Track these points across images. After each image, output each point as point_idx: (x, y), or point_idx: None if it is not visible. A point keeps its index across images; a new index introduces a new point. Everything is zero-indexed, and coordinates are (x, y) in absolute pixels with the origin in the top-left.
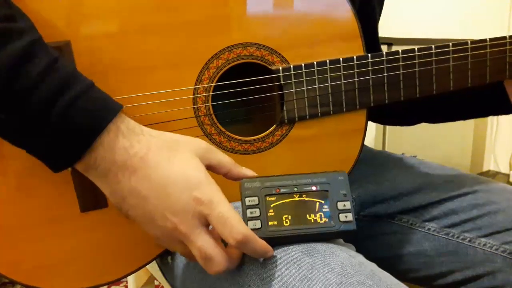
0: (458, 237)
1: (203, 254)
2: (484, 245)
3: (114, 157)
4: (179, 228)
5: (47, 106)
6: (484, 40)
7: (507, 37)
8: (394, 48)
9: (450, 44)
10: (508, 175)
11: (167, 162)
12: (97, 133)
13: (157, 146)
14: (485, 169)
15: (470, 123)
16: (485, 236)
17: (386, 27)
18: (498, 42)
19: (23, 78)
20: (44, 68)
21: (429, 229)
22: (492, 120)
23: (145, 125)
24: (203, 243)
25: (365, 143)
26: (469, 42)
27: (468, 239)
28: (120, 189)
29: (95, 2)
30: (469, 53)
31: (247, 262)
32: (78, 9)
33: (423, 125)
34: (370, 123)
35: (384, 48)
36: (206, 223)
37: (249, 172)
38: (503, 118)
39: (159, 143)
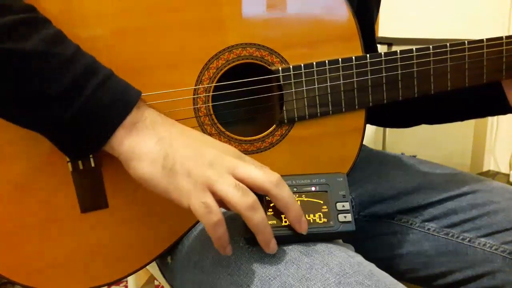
0: (457, 237)
1: (246, 180)
2: (484, 245)
3: (159, 116)
4: (226, 161)
5: (88, 75)
6: (481, 41)
7: (504, 37)
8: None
9: (448, 44)
10: (508, 175)
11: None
12: (135, 98)
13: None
14: (485, 169)
15: (470, 123)
16: (484, 236)
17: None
18: (495, 43)
19: (55, 58)
20: (74, 50)
21: (428, 229)
22: (492, 120)
23: None
24: (246, 173)
25: (365, 143)
26: (466, 42)
27: (468, 239)
28: (168, 136)
29: (94, 4)
30: (466, 53)
31: (246, 262)
32: (77, 11)
33: (423, 125)
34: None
35: (384, 48)
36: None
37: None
38: (503, 118)
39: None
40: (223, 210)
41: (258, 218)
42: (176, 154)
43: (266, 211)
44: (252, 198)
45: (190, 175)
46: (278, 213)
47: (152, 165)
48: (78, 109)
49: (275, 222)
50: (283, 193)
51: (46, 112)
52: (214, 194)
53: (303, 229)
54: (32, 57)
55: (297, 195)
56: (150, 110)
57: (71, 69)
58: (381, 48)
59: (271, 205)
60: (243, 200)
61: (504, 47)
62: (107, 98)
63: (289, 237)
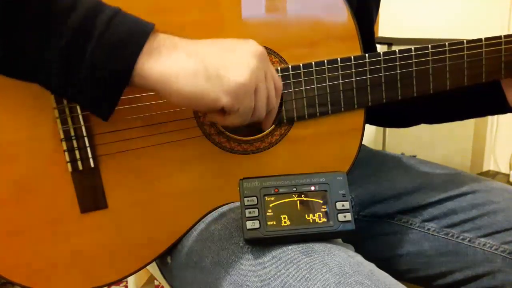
0: (457, 237)
1: (270, 92)
2: (484, 245)
3: (176, 37)
4: (263, 51)
5: (92, 14)
6: (480, 40)
7: (502, 36)
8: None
9: (446, 43)
10: (508, 175)
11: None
12: (150, 25)
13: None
14: (485, 169)
15: (470, 123)
16: (484, 236)
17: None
18: (494, 42)
19: (59, 2)
20: None
21: (428, 229)
22: (492, 120)
23: (145, 126)
24: (271, 85)
25: (365, 143)
26: (465, 41)
27: (468, 239)
28: (194, 48)
29: None
30: (465, 52)
31: (246, 262)
32: None
33: (423, 125)
34: None
35: (384, 48)
36: None
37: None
38: (503, 118)
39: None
40: (223, 209)
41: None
42: (215, 60)
43: (266, 211)
44: (264, 113)
45: (241, 72)
46: (278, 213)
47: (195, 77)
48: (92, 51)
49: (274, 222)
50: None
51: (62, 63)
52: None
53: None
54: (36, 2)
55: (297, 195)
56: (166, 35)
57: (75, 14)
58: (381, 48)
59: (271, 205)
60: (262, 113)
61: (503, 46)
62: (120, 30)
63: (289, 237)
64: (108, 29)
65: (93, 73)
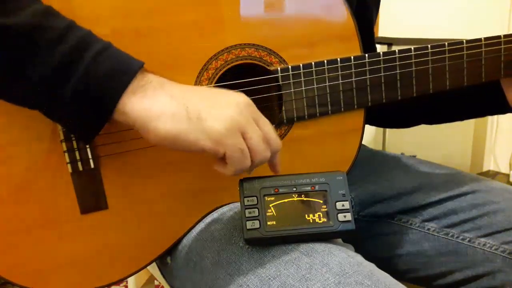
0: (457, 237)
1: (267, 135)
2: (484, 245)
3: (164, 79)
4: (248, 101)
5: (81, 47)
6: (479, 40)
7: (502, 36)
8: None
9: (446, 43)
10: (508, 175)
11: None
12: (138, 64)
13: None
14: (485, 169)
15: (470, 123)
16: (484, 236)
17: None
18: (493, 42)
19: (49, 30)
20: (69, 22)
21: (428, 229)
22: (492, 120)
23: None
24: (268, 127)
25: (365, 143)
26: (464, 41)
27: (468, 239)
28: (179, 92)
29: (93, 5)
30: (465, 52)
31: (246, 262)
32: (72, 13)
33: (423, 125)
34: None
35: (384, 48)
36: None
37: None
38: (503, 118)
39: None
40: (223, 210)
41: (276, 165)
42: (197, 104)
43: (266, 211)
44: (269, 153)
45: (220, 119)
46: (278, 213)
47: (174, 119)
48: (77, 82)
49: (274, 222)
50: (276, 160)
51: (45, 89)
52: (243, 139)
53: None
54: (23, 31)
55: (297, 195)
56: (154, 75)
57: (65, 42)
58: (381, 48)
59: (271, 205)
60: (264, 153)
61: (502, 46)
62: (107, 67)
63: (289, 237)
64: (94, 63)
65: (75, 104)
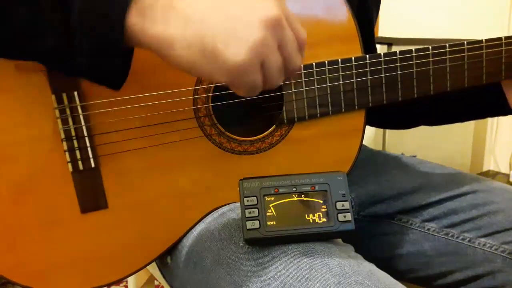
0: (457, 237)
1: (301, 38)
2: (484, 245)
3: None
4: (280, 15)
5: None
6: (480, 41)
7: (503, 38)
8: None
9: (447, 45)
10: (508, 175)
11: None
12: None
13: None
14: (485, 169)
15: (470, 123)
16: (484, 236)
17: (386, 27)
18: (494, 43)
19: None
20: None
21: (428, 229)
22: (492, 120)
23: (145, 126)
24: (297, 27)
25: (365, 143)
26: (465, 43)
27: (468, 239)
28: (192, 12)
29: None
30: (466, 53)
31: (245, 262)
32: None
33: (423, 126)
34: None
35: (384, 48)
36: None
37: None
38: (503, 118)
39: None
40: (223, 209)
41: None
42: (214, 30)
43: (265, 211)
44: (281, 80)
45: (240, 50)
46: (278, 213)
47: (189, 51)
48: (77, 16)
49: (274, 222)
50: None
51: (49, 29)
52: (261, 66)
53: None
54: None
55: (296, 195)
56: None
57: None
58: (381, 48)
59: (271, 205)
60: (276, 81)
61: (503, 48)
62: None
63: (289, 237)
64: None
65: (84, 43)
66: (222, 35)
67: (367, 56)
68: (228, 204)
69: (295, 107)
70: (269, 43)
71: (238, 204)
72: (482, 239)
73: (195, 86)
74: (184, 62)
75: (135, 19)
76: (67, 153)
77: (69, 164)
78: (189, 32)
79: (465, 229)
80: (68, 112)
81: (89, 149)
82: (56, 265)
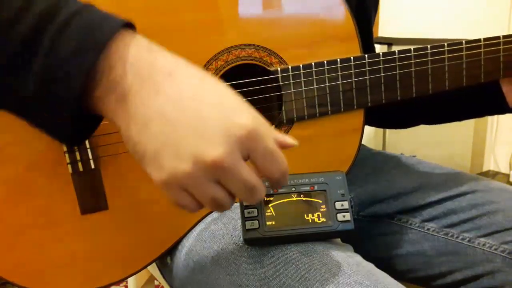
0: (457, 237)
1: (248, 185)
2: (484, 245)
3: (138, 70)
4: (221, 161)
5: (36, 33)
6: (478, 40)
7: (501, 36)
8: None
9: (445, 44)
10: (508, 175)
11: (200, 81)
12: (108, 36)
13: (186, 64)
14: (485, 169)
15: (470, 123)
16: (484, 236)
17: (386, 27)
18: (492, 42)
19: (5, 7)
20: None
21: (428, 229)
22: (492, 120)
23: None
24: (248, 174)
25: (365, 143)
26: (463, 42)
27: (468, 239)
28: (141, 113)
29: None
30: (464, 52)
31: (245, 262)
32: None
33: (423, 125)
34: None
35: (384, 48)
36: (245, 156)
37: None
38: (503, 118)
39: (186, 62)
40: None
41: (260, 197)
42: (148, 145)
43: (265, 211)
44: (258, 198)
45: (160, 169)
46: (277, 213)
47: (134, 148)
48: (38, 68)
49: (273, 222)
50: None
51: (5, 84)
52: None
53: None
54: None
55: (296, 195)
56: (128, 66)
57: (24, 19)
58: (381, 48)
59: (270, 205)
60: (248, 198)
61: (502, 47)
62: (70, 44)
63: (288, 237)
64: (59, 37)
65: (41, 99)
66: (154, 145)
67: (366, 55)
68: None
69: (294, 107)
70: (192, 179)
71: (238, 204)
72: (482, 239)
73: None
74: (134, 154)
75: (90, 95)
76: (67, 155)
77: (69, 166)
78: (133, 133)
79: (464, 229)
80: None
81: (89, 150)
82: (56, 266)
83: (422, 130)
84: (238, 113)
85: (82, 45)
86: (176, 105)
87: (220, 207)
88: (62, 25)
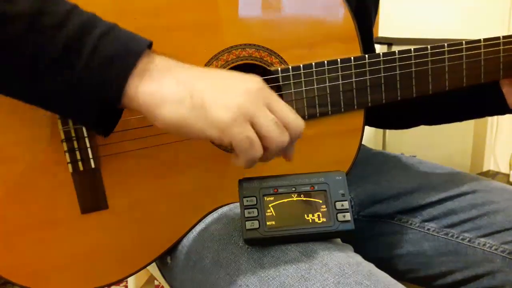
0: (457, 237)
1: (283, 119)
2: (484, 245)
3: (172, 61)
4: (263, 87)
5: (83, 32)
6: (479, 41)
7: (501, 37)
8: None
9: (445, 44)
10: (508, 175)
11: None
12: (143, 47)
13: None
14: (485, 169)
15: (470, 123)
16: (484, 236)
17: (386, 27)
18: (492, 42)
19: (50, 15)
20: (71, 6)
21: (428, 229)
22: (492, 120)
23: (145, 127)
24: (283, 110)
25: (365, 143)
26: (463, 42)
27: (468, 239)
28: (186, 76)
29: (91, 5)
30: (464, 53)
31: (245, 262)
32: None
33: (423, 125)
34: None
35: (384, 48)
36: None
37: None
38: (503, 118)
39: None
40: (223, 210)
41: (290, 152)
42: (204, 90)
43: (265, 211)
44: (287, 137)
45: (226, 107)
46: (277, 214)
47: (179, 106)
48: (81, 68)
49: (274, 222)
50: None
51: (50, 79)
52: (253, 126)
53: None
54: (25, 18)
55: (296, 195)
56: (161, 57)
57: (67, 27)
58: (381, 48)
59: (270, 205)
60: (280, 138)
61: (502, 47)
62: (110, 50)
63: (288, 237)
64: (97, 46)
65: (82, 93)
66: (209, 95)
67: (366, 56)
68: (228, 204)
69: (294, 107)
70: (253, 104)
71: (238, 204)
72: (482, 239)
73: None
74: (174, 119)
75: (133, 81)
76: (67, 154)
77: (69, 165)
78: (180, 89)
79: (464, 229)
80: None
81: (89, 149)
82: (56, 266)
83: (422, 130)
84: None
85: (122, 51)
86: (212, 72)
87: (280, 134)
88: (100, 37)
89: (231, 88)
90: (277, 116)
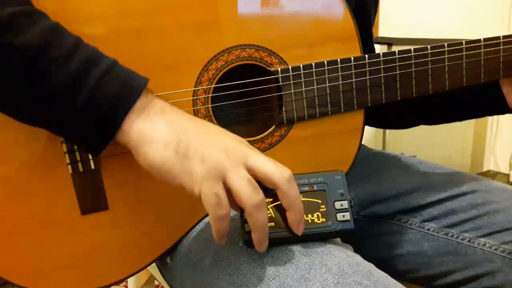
0: (457, 237)
1: (265, 172)
2: (484, 245)
3: (167, 104)
4: (240, 146)
5: (88, 65)
6: (478, 40)
7: (501, 37)
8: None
9: (445, 44)
10: (508, 175)
11: (193, 119)
12: (142, 86)
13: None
14: (485, 169)
15: (470, 123)
16: (484, 236)
17: (386, 27)
18: (492, 42)
19: (57, 48)
20: (76, 40)
21: (428, 229)
22: (492, 120)
23: None
24: (261, 167)
25: (365, 143)
26: (463, 42)
27: (468, 239)
28: (179, 121)
29: (91, 5)
30: (464, 53)
31: (245, 262)
32: (73, 13)
33: (423, 125)
34: None
35: (384, 48)
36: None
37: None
38: (503, 118)
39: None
40: None
41: (260, 217)
42: (189, 139)
43: None
44: (260, 196)
45: (204, 161)
46: (276, 214)
47: (164, 149)
48: (84, 100)
49: (273, 224)
50: (291, 191)
51: (51, 107)
52: (225, 184)
53: (299, 230)
54: (33, 49)
55: None
56: (158, 99)
57: (73, 59)
58: (381, 48)
59: (269, 206)
60: (252, 197)
61: (502, 47)
62: (113, 85)
63: (287, 238)
64: (100, 81)
65: (80, 123)
66: (194, 144)
67: (366, 56)
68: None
69: (294, 107)
70: (230, 159)
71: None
72: (482, 239)
73: (195, 87)
74: (156, 158)
75: (130, 116)
76: (66, 155)
77: (69, 166)
78: (170, 133)
79: (464, 229)
80: None
81: None
82: (56, 266)
83: (422, 130)
84: (242, 141)
85: (123, 89)
86: (199, 122)
87: (251, 192)
88: (103, 72)
89: (214, 143)
90: (256, 172)
